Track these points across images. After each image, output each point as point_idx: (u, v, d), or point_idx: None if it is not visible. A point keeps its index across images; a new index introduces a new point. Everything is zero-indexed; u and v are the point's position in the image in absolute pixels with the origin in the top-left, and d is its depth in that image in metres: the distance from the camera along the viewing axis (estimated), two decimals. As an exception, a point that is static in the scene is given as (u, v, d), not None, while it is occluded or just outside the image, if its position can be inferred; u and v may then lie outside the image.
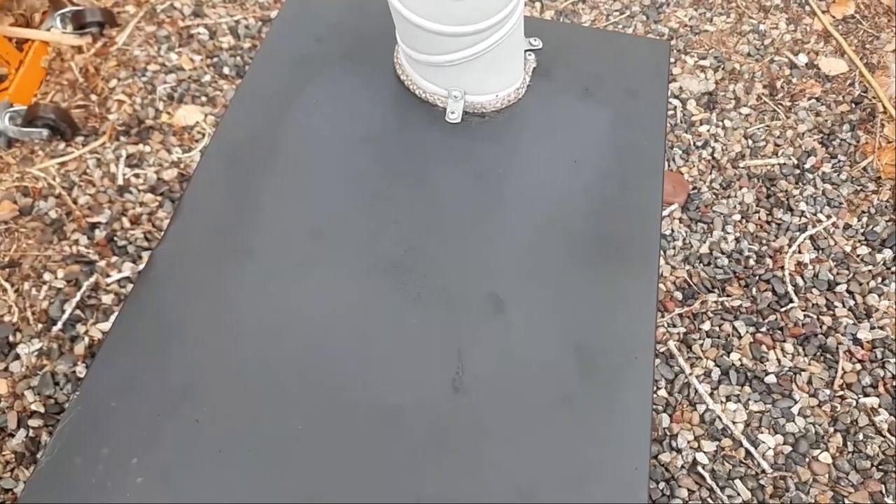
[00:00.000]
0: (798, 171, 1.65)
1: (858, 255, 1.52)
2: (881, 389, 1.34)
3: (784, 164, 1.66)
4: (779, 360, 1.38)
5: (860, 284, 1.47)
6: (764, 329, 1.42)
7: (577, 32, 1.00)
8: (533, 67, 0.93)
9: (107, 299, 1.42)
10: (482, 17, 0.75)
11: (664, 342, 1.40)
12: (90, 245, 1.49)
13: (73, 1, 1.88)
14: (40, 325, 1.38)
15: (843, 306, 1.45)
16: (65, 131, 1.62)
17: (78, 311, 1.40)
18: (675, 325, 1.43)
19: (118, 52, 1.81)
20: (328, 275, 0.77)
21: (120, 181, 1.59)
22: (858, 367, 1.37)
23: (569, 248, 0.79)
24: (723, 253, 1.53)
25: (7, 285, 1.42)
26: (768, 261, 1.51)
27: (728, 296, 1.46)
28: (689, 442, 1.29)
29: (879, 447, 1.28)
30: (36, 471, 0.64)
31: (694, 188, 1.63)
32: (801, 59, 1.87)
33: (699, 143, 1.70)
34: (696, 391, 1.34)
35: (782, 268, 1.49)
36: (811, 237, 1.55)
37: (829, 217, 1.58)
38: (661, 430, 1.31)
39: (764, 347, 1.39)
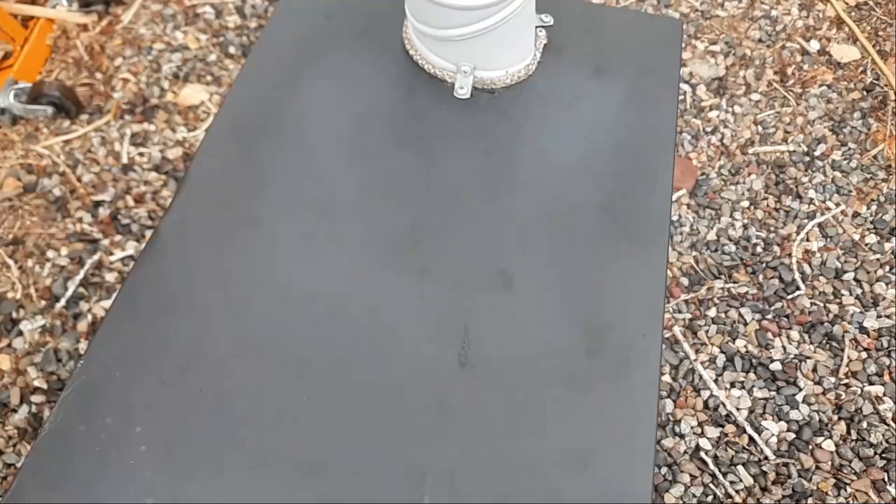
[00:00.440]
0: (808, 159, 1.64)
1: (867, 244, 1.51)
2: (886, 378, 1.34)
3: (794, 151, 1.65)
4: (784, 348, 1.37)
5: (868, 273, 1.46)
6: (770, 316, 1.41)
7: (588, 9, 0.98)
8: (544, 44, 0.92)
9: (110, 277, 1.42)
10: (493, -10, 0.74)
11: (669, 328, 1.39)
12: (94, 223, 1.49)
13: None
14: (43, 302, 1.38)
15: (851, 295, 1.44)
16: (69, 109, 1.61)
17: (81, 289, 1.40)
18: (680, 311, 1.42)
19: (123, 30, 1.80)
20: (334, 248, 0.76)
21: (124, 160, 1.58)
22: (864, 355, 1.37)
23: (577, 225, 0.78)
24: (730, 239, 1.51)
25: (11, 262, 1.42)
26: (776, 248, 1.50)
27: (734, 282, 1.45)
28: (692, 427, 1.29)
29: (883, 435, 1.28)
30: (39, 438, 0.63)
31: (702, 174, 1.61)
32: (813, 46, 1.84)
33: (708, 129, 1.69)
34: (701, 377, 1.33)
35: (790, 255, 1.48)
36: (819, 225, 1.53)
37: (837, 205, 1.56)
38: (664, 416, 1.30)
39: (770, 335, 1.39)
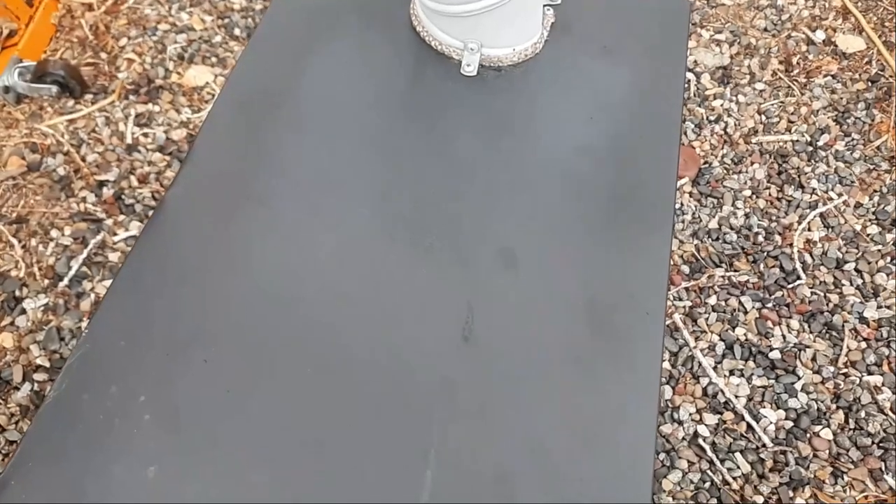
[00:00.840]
0: (811, 149, 1.63)
1: (868, 234, 1.51)
2: (885, 368, 1.34)
3: (797, 140, 1.65)
4: (784, 337, 1.38)
5: (869, 263, 1.46)
6: (770, 305, 1.41)
7: (595, -9, 0.98)
8: (551, 23, 0.92)
9: (113, 257, 1.42)
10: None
11: (669, 315, 1.39)
12: (98, 203, 1.49)
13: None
14: (47, 281, 1.38)
15: (851, 285, 1.44)
16: (74, 88, 1.61)
17: (84, 268, 1.40)
18: (681, 299, 1.42)
19: (129, 10, 1.80)
20: (339, 224, 0.76)
21: (129, 140, 1.58)
22: (863, 345, 1.37)
23: (582, 204, 0.78)
24: (731, 228, 1.52)
25: (14, 241, 1.42)
26: (777, 237, 1.50)
27: (735, 271, 1.45)
28: (690, 414, 1.29)
29: (881, 425, 1.28)
30: (44, 405, 0.64)
31: (705, 162, 1.61)
32: (819, 36, 1.84)
33: (712, 118, 1.68)
34: (700, 364, 1.34)
35: (791, 245, 1.49)
36: (821, 215, 1.53)
37: (840, 195, 1.56)
38: (663, 402, 1.31)
39: (769, 323, 1.39)
